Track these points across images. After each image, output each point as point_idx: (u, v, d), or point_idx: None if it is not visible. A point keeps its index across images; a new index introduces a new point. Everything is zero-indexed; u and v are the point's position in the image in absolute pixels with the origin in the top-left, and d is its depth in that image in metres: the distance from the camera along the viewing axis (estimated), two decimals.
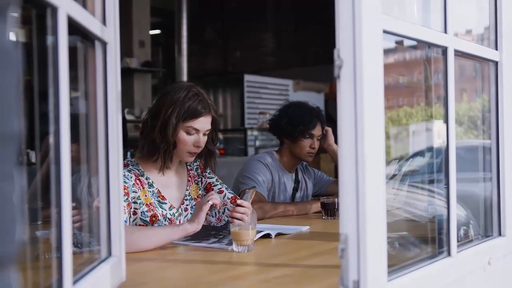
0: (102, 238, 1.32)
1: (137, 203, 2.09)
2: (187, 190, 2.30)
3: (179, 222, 2.21)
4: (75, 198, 1.13)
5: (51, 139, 0.97)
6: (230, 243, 1.88)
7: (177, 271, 1.65)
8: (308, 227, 2.32)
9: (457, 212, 1.52)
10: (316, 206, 2.77)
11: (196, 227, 1.92)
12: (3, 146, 0.53)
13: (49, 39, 0.99)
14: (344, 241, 1.15)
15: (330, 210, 2.59)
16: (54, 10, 0.97)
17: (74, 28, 1.08)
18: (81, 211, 1.36)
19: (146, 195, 2.13)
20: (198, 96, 2.15)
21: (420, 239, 1.67)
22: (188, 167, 2.35)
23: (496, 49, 1.75)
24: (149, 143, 2.15)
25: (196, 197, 2.32)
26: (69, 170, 0.99)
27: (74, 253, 1.03)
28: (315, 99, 6.53)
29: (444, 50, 1.47)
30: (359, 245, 1.13)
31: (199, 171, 2.37)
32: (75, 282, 1.05)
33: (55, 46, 0.98)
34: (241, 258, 1.76)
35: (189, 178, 2.33)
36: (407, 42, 1.50)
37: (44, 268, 1.21)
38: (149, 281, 1.52)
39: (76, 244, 1.27)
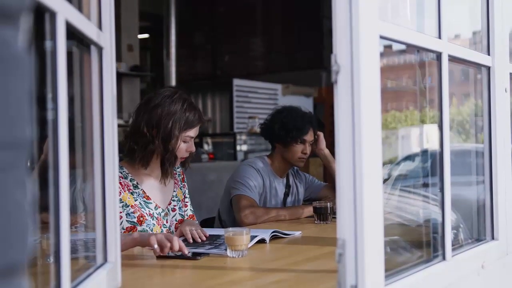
0: (98, 244, 1.31)
1: (119, 206, 2.11)
2: (174, 191, 2.36)
3: (166, 222, 2.27)
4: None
5: (50, 144, 0.96)
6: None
7: (173, 277, 1.64)
8: (300, 232, 2.32)
9: None
10: (308, 211, 2.77)
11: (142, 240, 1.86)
12: (16, 153, 0.52)
13: (47, 44, 0.98)
14: (341, 246, 1.15)
15: (323, 215, 2.59)
16: (53, 15, 0.96)
17: (71, 32, 1.08)
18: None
19: (129, 198, 2.16)
20: (193, 106, 2.25)
21: (414, 244, 1.67)
22: (173, 170, 2.40)
23: (488, 54, 1.77)
24: (148, 153, 2.18)
25: (181, 199, 2.39)
26: (67, 175, 0.99)
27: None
28: (304, 104, 6.54)
29: (439, 56, 1.48)
30: (357, 250, 1.13)
31: (180, 178, 2.44)
32: None
33: (53, 51, 0.97)
34: (236, 263, 1.76)
35: (175, 181, 2.39)
36: (396, 47, 1.50)
37: (39, 274, 1.20)
38: (144, 287, 1.51)
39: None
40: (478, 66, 1.78)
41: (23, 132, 0.54)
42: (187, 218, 2.38)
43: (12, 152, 0.52)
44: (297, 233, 2.30)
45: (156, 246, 1.76)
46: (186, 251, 1.80)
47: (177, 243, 1.77)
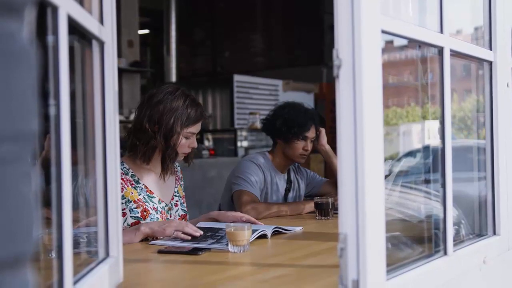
0: (100, 238, 1.31)
1: (122, 203, 2.11)
2: (175, 187, 2.38)
3: (170, 216, 2.29)
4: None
5: (52, 140, 0.96)
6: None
7: (174, 272, 1.64)
8: (301, 227, 2.32)
9: None
10: (310, 206, 2.77)
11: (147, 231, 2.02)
12: (21, 146, 0.52)
13: (49, 39, 0.98)
14: (343, 241, 1.15)
15: (324, 210, 2.59)
16: (55, 9, 0.96)
17: (72, 27, 1.07)
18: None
19: (132, 193, 2.16)
20: (195, 102, 2.26)
21: (416, 239, 1.67)
22: (174, 166, 2.42)
23: (490, 49, 1.76)
24: (150, 149, 2.19)
25: (182, 196, 2.41)
26: (70, 170, 0.99)
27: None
28: (305, 100, 6.53)
29: (440, 50, 1.48)
30: (359, 244, 1.13)
31: (180, 176, 2.46)
32: (75, 282, 1.04)
33: (55, 46, 0.97)
34: (237, 258, 1.76)
35: (176, 178, 2.41)
36: (397, 42, 1.50)
37: (41, 268, 1.20)
38: (146, 282, 1.52)
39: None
40: (480, 61, 1.78)
41: (29, 125, 0.54)
42: (179, 218, 2.37)
43: (18, 145, 0.52)
44: (298, 229, 2.30)
45: (174, 234, 1.98)
46: (199, 233, 1.99)
47: (192, 226, 1.99)
